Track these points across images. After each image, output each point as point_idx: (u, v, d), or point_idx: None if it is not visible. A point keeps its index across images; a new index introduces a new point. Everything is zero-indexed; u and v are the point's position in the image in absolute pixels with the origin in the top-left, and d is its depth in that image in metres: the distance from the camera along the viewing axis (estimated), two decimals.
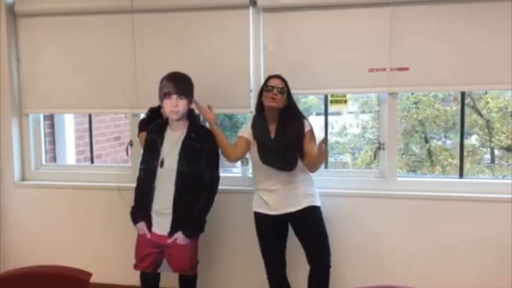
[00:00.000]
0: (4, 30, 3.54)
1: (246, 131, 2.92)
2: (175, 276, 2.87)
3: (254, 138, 2.86)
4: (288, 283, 2.93)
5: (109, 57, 3.46)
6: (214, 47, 3.32)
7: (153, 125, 2.85)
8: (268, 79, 2.84)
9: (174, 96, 2.66)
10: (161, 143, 2.74)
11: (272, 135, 2.80)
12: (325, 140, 2.55)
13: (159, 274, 2.89)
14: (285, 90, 2.79)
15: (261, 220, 2.90)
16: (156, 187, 2.72)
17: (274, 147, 2.76)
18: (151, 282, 2.88)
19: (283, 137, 2.77)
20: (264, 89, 2.81)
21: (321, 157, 2.58)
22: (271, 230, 2.89)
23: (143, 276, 2.86)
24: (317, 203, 2.85)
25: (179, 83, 2.71)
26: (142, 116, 3.11)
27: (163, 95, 2.70)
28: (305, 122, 2.84)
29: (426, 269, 3.13)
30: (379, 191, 3.18)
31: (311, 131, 2.84)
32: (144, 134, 2.87)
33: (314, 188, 2.89)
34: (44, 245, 3.64)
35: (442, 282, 3.10)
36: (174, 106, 2.66)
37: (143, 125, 2.96)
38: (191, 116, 2.84)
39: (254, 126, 2.88)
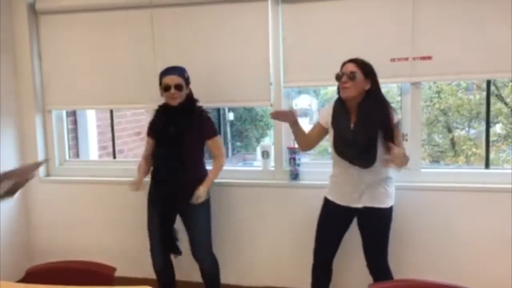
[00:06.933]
0: (26, 27, 3.58)
1: (324, 118, 2.76)
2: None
3: (332, 126, 2.69)
4: (331, 272, 2.87)
5: (129, 53, 3.47)
6: (233, 40, 3.30)
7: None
8: (343, 65, 2.61)
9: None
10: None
11: (352, 126, 2.57)
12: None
13: (173, 271, 3.07)
14: (358, 75, 2.52)
15: (326, 206, 2.79)
16: None
17: (352, 140, 2.55)
18: (165, 278, 3.06)
19: (363, 129, 2.51)
20: (336, 78, 2.59)
21: (396, 163, 2.43)
22: (331, 218, 2.78)
23: (158, 274, 3.04)
24: (383, 204, 2.64)
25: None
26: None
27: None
28: (392, 111, 2.55)
29: (452, 261, 3.08)
30: (403, 183, 3.11)
31: (397, 124, 2.56)
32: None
33: (388, 188, 2.65)
34: (69, 239, 3.70)
35: (467, 274, 3.04)
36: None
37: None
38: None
39: (334, 114, 2.68)
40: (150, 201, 3.03)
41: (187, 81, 2.90)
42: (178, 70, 2.88)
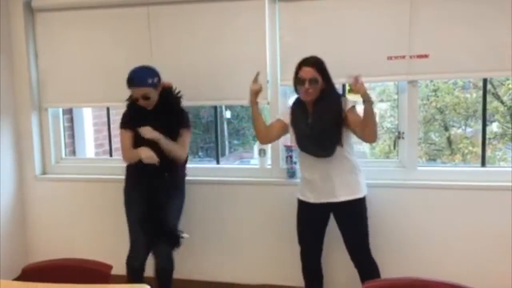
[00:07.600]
0: (22, 25, 3.57)
1: (285, 115, 2.87)
2: None
3: (291, 124, 2.80)
4: (321, 270, 2.91)
5: (126, 50, 3.46)
6: (231, 38, 3.30)
7: None
8: (299, 67, 2.68)
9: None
10: None
11: (310, 121, 2.69)
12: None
13: (144, 265, 2.98)
14: (319, 80, 2.63)
15: (301, 207, 2.86)
16: None
17: (311, 133, 2.67)
18: (136, 272, 2.96)
19: (320, 121, 2.65)
20: (296, 82, 2.69)
21: (359, 88, 2.54)
22: (309, 218, 2.84)
23: (129, 266, 2.96)
24: (358, 194, 2.72)
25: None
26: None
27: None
28: (345, 100, 2.72)
29: (448, 259, 3.09)
30: (399, 181, 3.14)
31: (354, 107, 2.69)
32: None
33: (358, 177, 2.74)
34: (65, 237, 3.69)
35: (463, 272, 3.05)
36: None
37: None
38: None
39: (292, 112, 2.80)
40: (132, 194, 2.95)
41: (155, 85, 2.79)
42: (141, 80, 2.75)
